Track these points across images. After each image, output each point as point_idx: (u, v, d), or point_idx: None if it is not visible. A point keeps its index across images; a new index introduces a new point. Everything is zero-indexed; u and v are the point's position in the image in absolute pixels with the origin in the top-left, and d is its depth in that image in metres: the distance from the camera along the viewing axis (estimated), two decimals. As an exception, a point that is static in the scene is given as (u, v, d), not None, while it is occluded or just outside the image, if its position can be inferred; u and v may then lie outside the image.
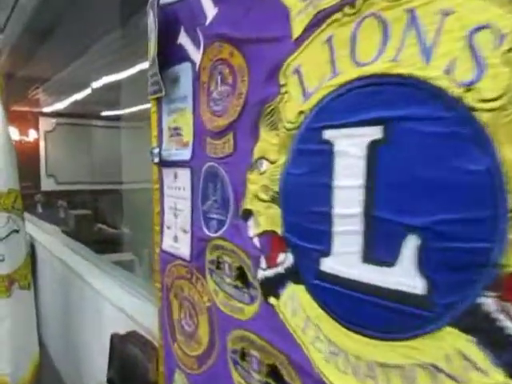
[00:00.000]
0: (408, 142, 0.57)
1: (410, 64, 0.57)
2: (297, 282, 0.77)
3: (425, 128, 0.55)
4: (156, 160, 1.30)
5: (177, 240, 1.23)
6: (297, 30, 0.75)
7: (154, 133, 1.33)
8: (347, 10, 0.66)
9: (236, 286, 0.96)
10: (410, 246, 0.57)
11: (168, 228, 1.29)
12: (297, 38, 0.75)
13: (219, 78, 1.00)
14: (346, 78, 0.65)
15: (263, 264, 0.85)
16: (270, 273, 0.83)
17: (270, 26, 0.82)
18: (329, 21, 0.69)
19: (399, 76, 0.58)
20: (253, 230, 0.88)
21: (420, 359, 0.57)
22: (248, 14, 0.87)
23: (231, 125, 0.94)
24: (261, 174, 0.84)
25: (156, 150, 1.30)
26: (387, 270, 0.60)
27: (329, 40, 0.69)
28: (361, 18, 0.64)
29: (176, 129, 1.21)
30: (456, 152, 0.51)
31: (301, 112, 0.74)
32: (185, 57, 1.12)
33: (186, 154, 1.15)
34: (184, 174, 1.17)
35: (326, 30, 0.70)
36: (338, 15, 0.67)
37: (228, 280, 0.99)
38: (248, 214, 0.89)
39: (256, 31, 0.86)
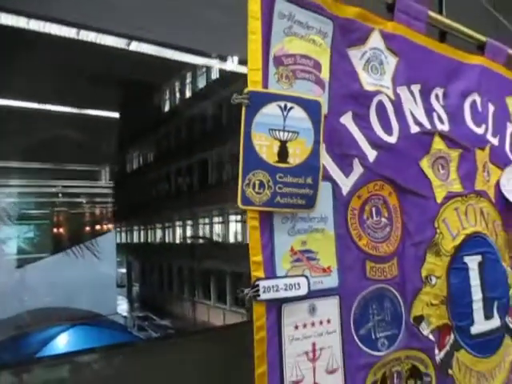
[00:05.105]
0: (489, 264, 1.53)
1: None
2: (458, 349, 1.39)
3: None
4: (265, 297, 1.04)
5: (318, 390, 1.10)
6: (439, 197, 1.43)
7: (257, 258, 1.05)
8: (462, 198, 1.50)
9: (409, 386, 1.27)
10: (496, 305, 1.53)
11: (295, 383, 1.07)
12: (439, 202, 1.43)
13: (374, 209, 1.28)
14: (468, 232, 1.49)
15: (436, 351, 1.34)
16: (441, 353, 1.35)
17: (420, 187, 1.39)
18: (456, 198, 1.47)
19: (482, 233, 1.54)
20: (426, 329, 1.32)
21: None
22: (407, 169, 1.36)
23: (395, 251, 1.30)
24: (432, 286, 1.35)
25: (265, 283, 1.05)
26: (491, 320, 1.50)
27: (456, 209, 1.47)
28: (467, 204, 1.51)
29: (305, 252, 1.13)
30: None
31: (452, 246, 1.43)
32: (325, 175, 1.18)
33: (330, 282, 1.16)
34: (329, 304, 1.15)
35: (454, 203, 1.47)
36: (459, 198, 1.49)
37: (398, 388, 1.25)
38: (419, 318, 1.32)
39: (410, 185, 1.37)
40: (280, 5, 1.11)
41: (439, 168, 1.45)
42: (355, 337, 1.19)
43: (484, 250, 1.52)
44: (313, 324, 1.12)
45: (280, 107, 1.08)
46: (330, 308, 1.15)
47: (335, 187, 1.20)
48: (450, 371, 1.39)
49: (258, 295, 1.03)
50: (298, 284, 1.07)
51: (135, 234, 19.86)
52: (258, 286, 1.03)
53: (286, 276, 1.07)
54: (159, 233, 19.77)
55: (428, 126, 1.44)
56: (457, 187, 1.49)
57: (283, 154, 1.07)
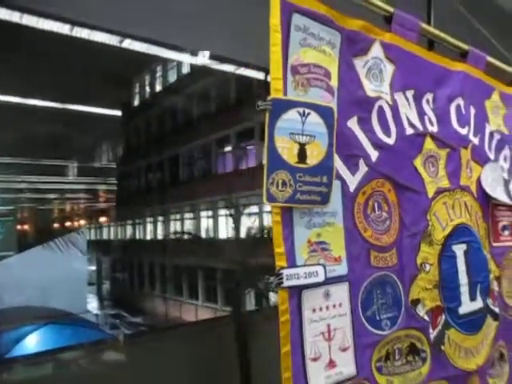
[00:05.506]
0: (473, 252, 1.72)
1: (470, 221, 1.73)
2: (448, 328, 1.56)
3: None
4: (288, 284, 1.17)
5: (333, 365, 1.24)
6: (430, 192, 1.60)
7: (280, 249, 1.18)
8: (450, 192, 1.67)
9: (408, 362, 1.43)
10: (479, 289, 1.71)
11: (314, 360, 1.20)
12: (430, 197, 1.60)
13: (376, 204, 1.43)
14: (455, 223, 1.66)
15: (431, 330, 1.50)
16: (435, 332, 1.52)
17: (415, 183, 1.55)
18: (444, 193, 1.65)
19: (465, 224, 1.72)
20: (422, 311, 1.49)
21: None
22: (403, 168, 1.51)
23: (394, 242, 1.45)
24: (426, 272, 1.52)
25: (288, 272, 1.18)
26: (475, 302, 1.68)
27: (445, 203, 1.64)
28: (454, 199, 1.68)
29: (320, 243, 1.27)
30: None
31: (442, 237, 1.60)
32: (335, 174, 1.32)
33: (340, 270, 1.30)
34: (340, 290, 1.29)
35: (443, 198, 1.64)
36: (447, 193, 1.66)
37: (399, 362, 1.41)
38: (416, 301, 1.48)
39: (406, 182, 1.52)
40: (296, 18, 1.24)
41: (430, 166, 1.62)
42: (362, 318, 1.34)
43: (468, 239, 1.70)
44: (327, 308, 1.25)
45: (299, 113, 1.20)
46: (341, 293, 1.29)
47: (343, 185, 1.34)
48: (442, 347, 1.56)
49: (282, 282, 1.15)
50: (316, 272, 1.21)
51: (105, 230, 19.61)
52: (281, 274, 1.16)
53: (305, 265, 1.21)
54: (129, 229, 19.57)
55: (420, 127, 1.60)
56: (445, 183, 1.66)
57: (302, 155, 1.20)
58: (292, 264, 1.19)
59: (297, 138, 1.20)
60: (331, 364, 1.25)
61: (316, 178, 1.21)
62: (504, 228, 2.00)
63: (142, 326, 15.24)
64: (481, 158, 1.87)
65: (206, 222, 16.61)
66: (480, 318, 1.71)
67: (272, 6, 1.20)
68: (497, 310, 1.81)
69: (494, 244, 1.92)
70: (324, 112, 1.25)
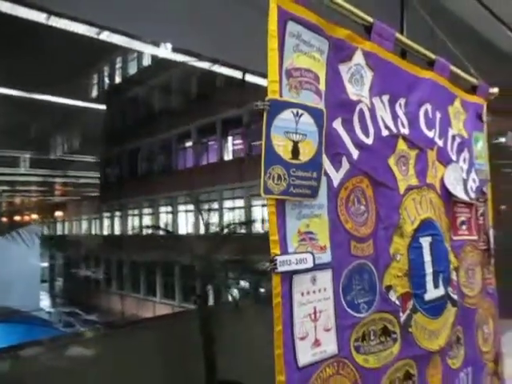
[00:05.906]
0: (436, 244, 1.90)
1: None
2: (415, 312, 1.74)
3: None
4: (281, 269, 1.29)
5: (318, 344, 1.37)
6: (401, 189, 1.77)
7: (275, 237, 1.29)
8: (418, 190, 1.84)
9: (381, 342, 1.59)
10: (441, 278, 1.90)
11: (302, 339, 1.33)
12: (402, 194, 1.77)
13: (356, 199, 1.58)
14: (422, 218, 1.84)
15: (401, 314, 1.67)
16: (404, 315, 1.69)
17: (389, 180, 1.71)
18: (413, 190, 1.82)
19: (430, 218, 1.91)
20: (393, 296, 1.65)
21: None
22: (379, 166, 1.67)
23: (371, 233, 1.61)
24: (397, 262, 1.68)
25: (281, 258, 1.30)
26: (438, 289, 1.87)
27: (413, 199, 1.82)
28: (421, 195, 1.86)
29: (308, 233, 1.39)
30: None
31: (411, 229, 1.77)
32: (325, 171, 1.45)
33: (325, 258, 1.43)
34: (325, 276, 1.42)
35: (412, 194, 1.81)
36: (416, 190, 1.83)
37: (373, 342, 1.57)
38: (389, 288, 1.64)
39: (382, 179, 1.68)
40: (291, 26, 1.36)
41: (401, 165, 1.79)
42: (343, 302, 1.48)
43: (433, 233, 1.88)
44: (314, 292, 1.38)
45: (293, 113, 1.32)
46: (325, 279, 1.43)
47: (329, 180, 1.47)
48: (410, 329, 1.73)
49: (276, 268, 1.27)
50: (306, 259, 1.33)
51: (59, 225, 19.00)
52: (276, 260, 1.27)
53: (295, 252, 1.33)
54: (85, 224, 19.08)
55: (394, 130, 1.76)
56: (414, 181, 1.84)
57: (295, 152, 1.32)
58: (284, 251, 1.31)
59: (291, 136, 1.32)
60: (316, 343, 1.38)
61: (307, 173, 1.34)
62: (462, 223, 2.21)
63: (97, 323, 14.97)
64: (444, 159, 2.06)
65: (165, 218, 16.48)
66: (442, 304, 1.90)
67: (270, 13, 1.31)
68: (455, 297, 2.01)
69: (454, 237, 2.12)
70: (315, 113, 1.37)
